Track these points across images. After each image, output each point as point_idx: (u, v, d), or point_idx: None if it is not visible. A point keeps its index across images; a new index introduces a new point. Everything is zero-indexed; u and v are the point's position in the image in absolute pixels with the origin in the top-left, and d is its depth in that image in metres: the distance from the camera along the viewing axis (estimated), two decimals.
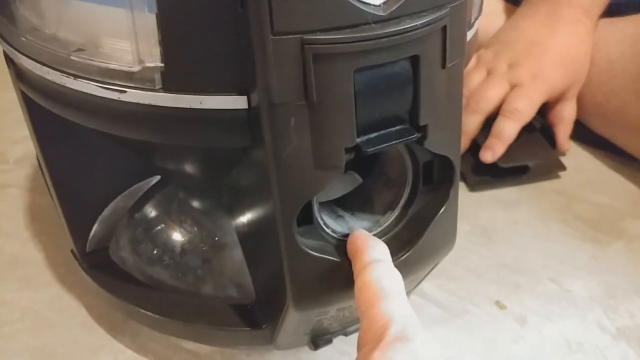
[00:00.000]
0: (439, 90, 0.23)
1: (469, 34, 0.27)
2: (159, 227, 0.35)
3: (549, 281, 0.42)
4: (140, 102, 0.22)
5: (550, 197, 0.49)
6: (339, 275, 0.25)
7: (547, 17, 0.51)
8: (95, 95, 0.23)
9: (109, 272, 0.34)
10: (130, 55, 0.21)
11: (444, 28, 0.21)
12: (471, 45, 0.29)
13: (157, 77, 0.21)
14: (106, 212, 0.34)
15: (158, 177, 0.33)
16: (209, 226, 0.34)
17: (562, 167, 0.51)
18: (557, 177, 0.51)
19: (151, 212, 0.35)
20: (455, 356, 0.37)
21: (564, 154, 0.53)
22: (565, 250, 0.45)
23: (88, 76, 0.23)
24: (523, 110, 0.47)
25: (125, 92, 0.22)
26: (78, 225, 0.33)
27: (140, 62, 0.21)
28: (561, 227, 0.46)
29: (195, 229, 0.34)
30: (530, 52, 0.50)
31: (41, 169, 0.33)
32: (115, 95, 0.22)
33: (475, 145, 0.49)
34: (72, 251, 0.35)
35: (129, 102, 0.22)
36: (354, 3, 0.19)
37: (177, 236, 0.34)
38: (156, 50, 0.21)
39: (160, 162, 0.31)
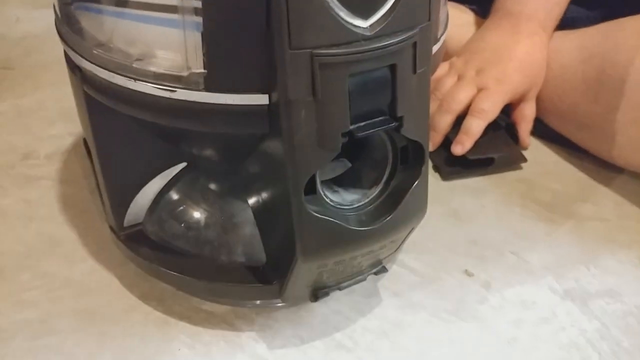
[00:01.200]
0: (411, 90, 0.30)
1: (436, 47, 0.34)
2: (183, 206, 0.42)
3: (510, 254, 0.50)
4: (187, 99, 0.29)
5: (512, 185, 0.57)
6: (335, 233, 0.32)
7: (509, 30, 0.59)
8: (151, 94, 0.30)
9: (142, 243, 0.41)
10: (180, 63, 0.29)
11: (415, 44, 0.29)
12: (439, 55, 0.37)
13: (201, 80, 0.29)
14: (141, 193, 0.40)
15: (184, 164, 0.40)
16: (225, 205, 0.41)
17: (524, 159, 0.58)
18: (519, 168, 0.58)
19: (177, 193, 0.42)
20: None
21: (526, 148, 0.61)
22: (524, 228, 0.52)
23: (146, 79, 0.30)
24: (488, 111, 0.55)
25: (175, 91, 0.29)
26: (118, 204, 0.40)
27: (188, 68, 0.29)
28: (521, 210, 0.54)
29: (214, 207, 0.41)
30: (494, 60, 0.57)
31: (90, 157, 0.40)
32: (167, 94, 0.29)
33: (447, 141, 0.56)
34: (110, 227, 0.42)
35: (178, 99, 0.29)
36: (348, 26, 0.27)
37: (199, 214, 0.41)
38: (200, 60, 0.28)
39: (190, 149, 0.38)
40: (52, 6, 0.38)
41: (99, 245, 0.48)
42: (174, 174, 0.41)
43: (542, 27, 0.58)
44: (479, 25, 0.66)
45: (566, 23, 0.62)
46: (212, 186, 0.41)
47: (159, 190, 0.41)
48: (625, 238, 0.51)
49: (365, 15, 0.27)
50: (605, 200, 0.55)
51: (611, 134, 0.54)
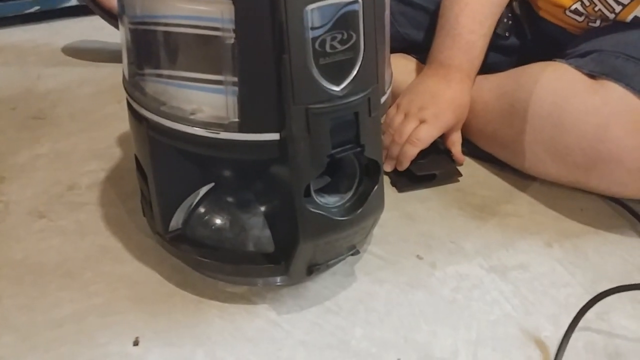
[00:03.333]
0: (369, 127, 0.47)
1: (384, 98, 0.52)
2: (208, 216, 0.57)
3: (450, 242, 0.66)
4: (227, 138, 0.46)
5: (451, 193, 0.74)
6: (324, 222, 0.49)
7: (443, 78, 0.75)
8: (202, 136, 0.46)
9: (182, 242, 0.56)
10: (223, 115, 0.45)
11: (369, 98, 0.46)
12: (387, 102, 0.54)
13: (236, 125, 0.45)
14: (181, 206, 0.56)
15: (213, 184, 0.56)
16: (239, 213, 0.57)
17: (459, 174, 0.75)
18: (457, 180, 0.75)
19: (204, 207, 0.57)
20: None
21: (461, 164, 0.78)
22: (460, 224, 0.68)
23: (199, 126, 0.46)
24: (422, 139, 0.71)
25: (219, 133, 0.46)
26: (165, 214, 0.56)
27: (228, 119, 0.45)
28: (458, 211, 0.71)
29: (231, 215, 0.57)
30: (432, 100, 0.74)
31: (143, 181, 0.56)
32: (213, 135, 0.46)
33: None
34: (157, 233, 0.58)
35: (221, 138, 0.46)
36: (328, 91, 0.44)
37: (219, 221, 0.57)
38: (236, 113, 0.45)
39: (220, 172, 0.54)
40: (121, 71, 0.54)
41: (139, 251, 0.63)
42: (203, 192, 0.57)
43: (467, 76, 0.76)
44: (420, 70, 0.84)
45: (488, 67, 0.81)
46: (230, 200, 0.57)
47: (191, 204, 0.57)
48: (534, 228, 0.68)
49: (338, 84, 0.45)
50: (521, 201, 0.72)
51: (522, 151, 0.72)
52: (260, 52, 0.43)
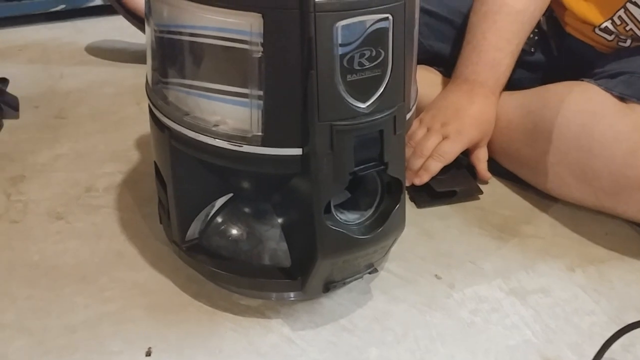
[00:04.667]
0: (393, 145, 0.46)
1: (409, 115, 0.51)
2: (224, 226, 0.57)
3: (469, 262, 0.65)
4: (249, 151, 0.45)
5: (471, 211, 0.72)
6: (344, 240, 0.48)
7: (467, 93, 0.75)
8: (225, 148, 0.46)
9: (199, 252, 0.56)
10: (246, 128, 0.44)
11: (395, 116, 0.45)
12: (411, 119, 0.53)
13: (259, 139, 0.44)
14: (199, 216, 0.56)
15: (231, 194, 0.56)
16: (256, 225, 0.56)
17: (480, 192, 0.74)
18: (477, 198, 0.74)
19: (222, 217, 0.57)
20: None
21: (486, 182, 0.77)
22: (480, 244, 0.67)
23: (221, 138, 0.46)
24: (446, 155, 0.70)
25: (242, 146, 0.45)
26: (183, 224, 0.55)
27: (251, 132, 0.44)
28: (478, 230, 0.69)
29: (248, 226, 0.56)
30: (456, 115, 0.74)
31: (162, 189, 0.55)
32: (236, 148, 0.45)
33: None
34: (174, 242, 0.57)
35: (243, 151, 0.45)
36: (354, 108, 0.43)
37: (235, 231, 0.56)
38: (260, 127, 0.44)
39: (239, 184, 0.53)
40: (142, 72, 0.54)
41: (155, 257, 0.63)
42: (221, 203, 0.56)
43: (492, 92, 0.75)
44: (444, 84, 0.83)
45: (514, 83, 0.80)
46: (248, 211, 0.57)
47: (209, 214, 0.57)
48: (556, 251, 0.66)
49: (364, 101, 0.44)
50: (542, 222, 0.71)
51: (545, 172, 0.70)
52: (288, 66, 0.42)
